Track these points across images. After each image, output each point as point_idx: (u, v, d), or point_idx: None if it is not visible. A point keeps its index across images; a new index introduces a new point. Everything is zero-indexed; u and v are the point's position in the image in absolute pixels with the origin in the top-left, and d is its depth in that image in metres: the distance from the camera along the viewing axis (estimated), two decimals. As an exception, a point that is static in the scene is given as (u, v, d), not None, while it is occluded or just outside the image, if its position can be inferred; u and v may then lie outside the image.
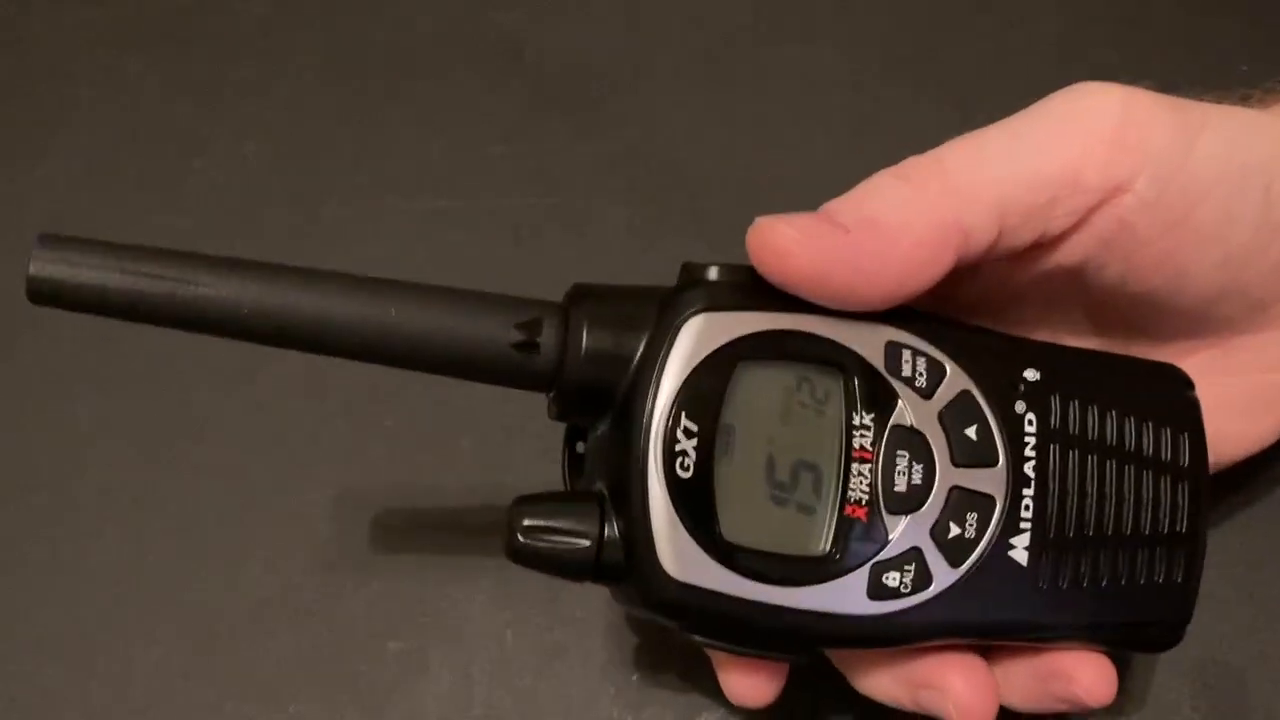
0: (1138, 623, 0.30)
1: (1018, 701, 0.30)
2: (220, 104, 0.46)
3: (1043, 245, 0.29)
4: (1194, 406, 0.30)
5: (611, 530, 0.28)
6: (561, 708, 0.35)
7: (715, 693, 0.34)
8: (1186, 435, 0.30)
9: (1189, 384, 0.30)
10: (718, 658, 0.31)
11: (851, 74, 0.45)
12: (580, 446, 0.30)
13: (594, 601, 0.36)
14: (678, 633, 0.29)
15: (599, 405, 0.28)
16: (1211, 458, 0.30)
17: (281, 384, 0.40)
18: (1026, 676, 0.30)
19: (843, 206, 0.28)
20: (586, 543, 0.28)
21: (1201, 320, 0.31)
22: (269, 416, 0.39)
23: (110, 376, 0.40)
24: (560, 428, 0.30)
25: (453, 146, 0.44)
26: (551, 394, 0.29)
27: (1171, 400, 0.30)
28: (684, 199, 0.43)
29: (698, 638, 0.29)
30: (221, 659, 0.35)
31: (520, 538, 0.28)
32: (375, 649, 0.35)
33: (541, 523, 0.28)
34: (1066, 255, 0.29)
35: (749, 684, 0.31)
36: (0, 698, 0.35)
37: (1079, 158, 0.28)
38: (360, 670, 0.35)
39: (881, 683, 0.30)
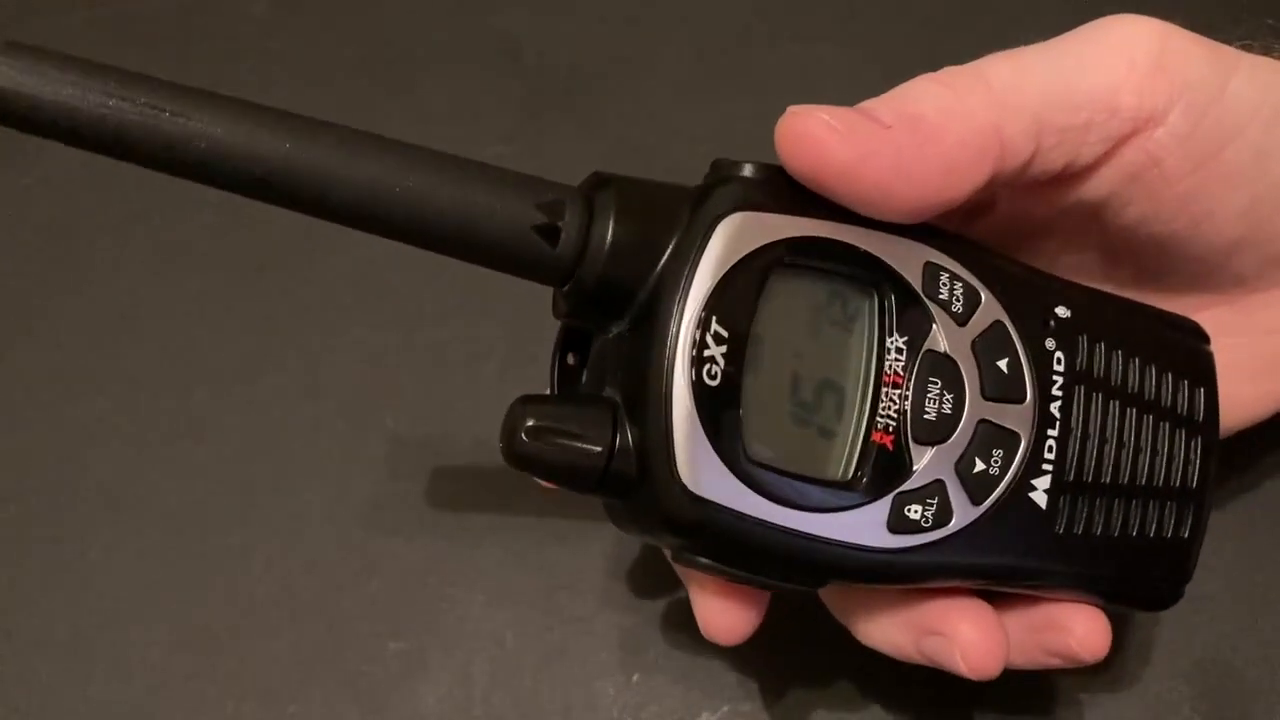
0: (1140, 577, 0.29)
1: (1010, 655, 0.29)
2: (220, 104, 0.46)
3: (1069, 176, 0.28)
4: (1209, 361, 0.30)
5: (624, 439, 0.26)
6: (561, 708, 0.34)
7: (715, 693, 0.34)
8: (1202, 390, 0.29)
9: (1205, 338, 0.30)
10: (700, 588, 0.29)
11: (851, 74, 0.45)
12: (571, 358, 0.28)
13: (594, 601, 0.36)
14: (678, 554, 0.27)
15: (614, 305, 0.26)
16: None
17: (281, 384, 0.40)
18: (1020, 628, 0.29)
19: (881, 105, 0.27)
20: (598, 448, 0.25)
21: (1217, 272, 0.31)
22: (269, 416, 0.39)
23: (110, 376, 0.40)
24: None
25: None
26: (565, 288, 0.26)
27: (1188, 353, 0.30)
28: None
29: (704, 560, 0.26)
30: (221, 659, 0.35)
31: (524, 438, 0.25)
32: (375, 649, 0.35)
33: (549, 424, 0.25)
34: (1092, 189, 0.29)
35: (730, 617, 0.29)
36: (0, 697, 0.35)
37: (1117, 80, 0.28)
38: (360, 670, 0.35)
39: (884, 628, 0.29)
